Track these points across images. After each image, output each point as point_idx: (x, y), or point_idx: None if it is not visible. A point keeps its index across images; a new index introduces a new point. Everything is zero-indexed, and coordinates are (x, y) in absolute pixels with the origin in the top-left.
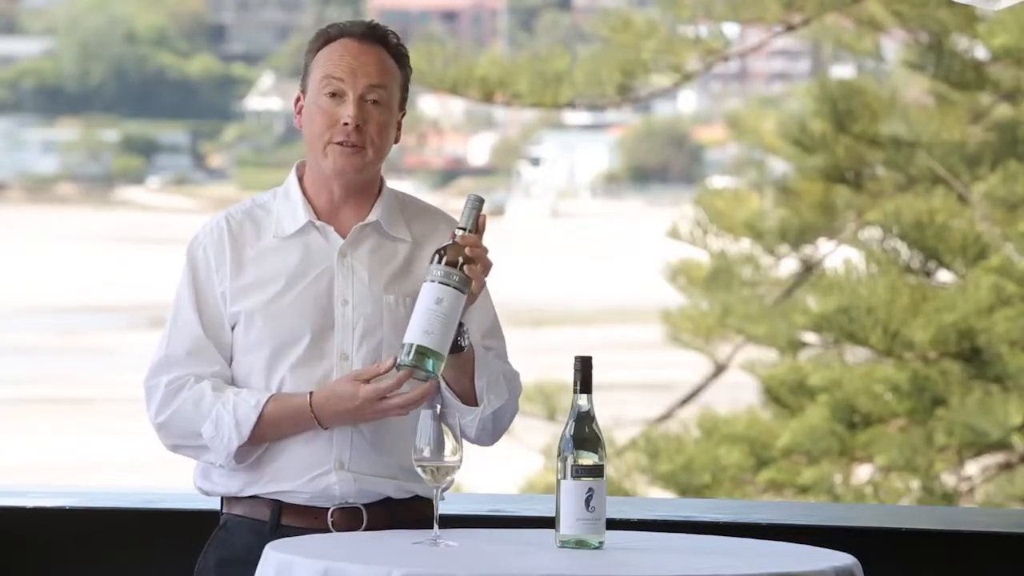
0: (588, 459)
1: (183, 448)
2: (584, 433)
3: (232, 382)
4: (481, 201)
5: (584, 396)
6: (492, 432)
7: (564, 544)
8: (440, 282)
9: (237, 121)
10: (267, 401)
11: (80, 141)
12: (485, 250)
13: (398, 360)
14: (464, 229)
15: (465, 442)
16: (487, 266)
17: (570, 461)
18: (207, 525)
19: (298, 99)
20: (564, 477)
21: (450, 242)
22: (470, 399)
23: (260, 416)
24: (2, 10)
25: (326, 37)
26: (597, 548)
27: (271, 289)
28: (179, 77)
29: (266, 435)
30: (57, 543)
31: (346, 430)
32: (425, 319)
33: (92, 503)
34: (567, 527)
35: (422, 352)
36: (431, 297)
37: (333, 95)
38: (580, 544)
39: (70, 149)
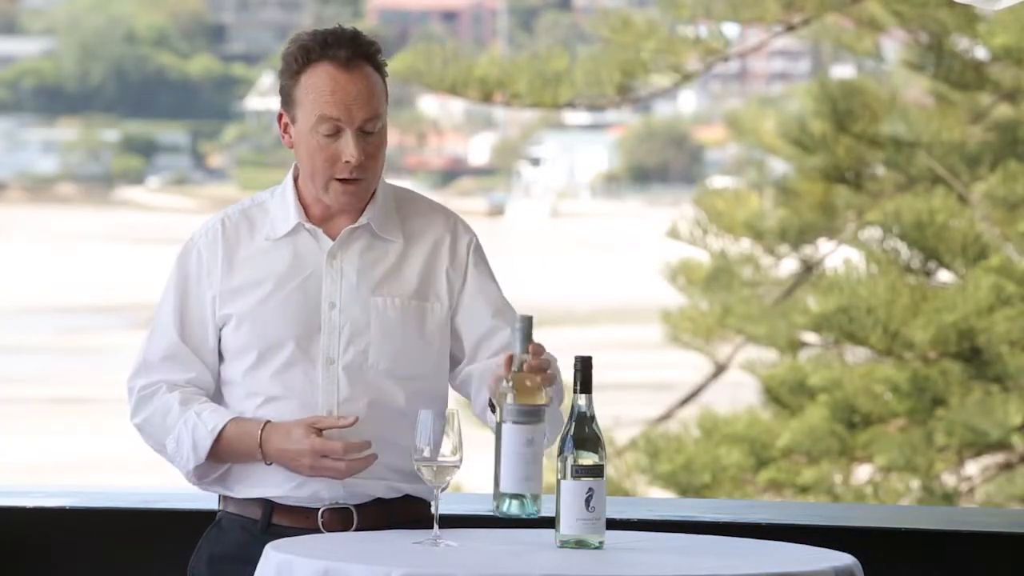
0: (588, 459)
1: (159, 453)
2: (584, 433)
3: (220, 384)
4: (530, 321)
5: (584, 396)
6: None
7: (564, 544)
8: (522, 423)
9: (237, 121)
10: (226, 424)
11: (80, 141)
12: (547, 365)
13: (502, 509)
14: (523, 356)
15: (465, 442)
16: (552, 379)
17: (570, 461)
18: (206, 525)
19: (281, 116)
20: (564, 477)
21: (511, 374)
22: None
23: (217, 440)
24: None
25: (305, 58)
26: (597, 548)
27: (259, 292)
28: (179, 77)
29: (224, 458)
30: (57, 543)
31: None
32: (521, 466)
33: (92, 503)
34: (567, 527)
35: (527, 497)
36: (519, 440)
37: (330, 133)
38: (580, 544)
39: (70, 149)
